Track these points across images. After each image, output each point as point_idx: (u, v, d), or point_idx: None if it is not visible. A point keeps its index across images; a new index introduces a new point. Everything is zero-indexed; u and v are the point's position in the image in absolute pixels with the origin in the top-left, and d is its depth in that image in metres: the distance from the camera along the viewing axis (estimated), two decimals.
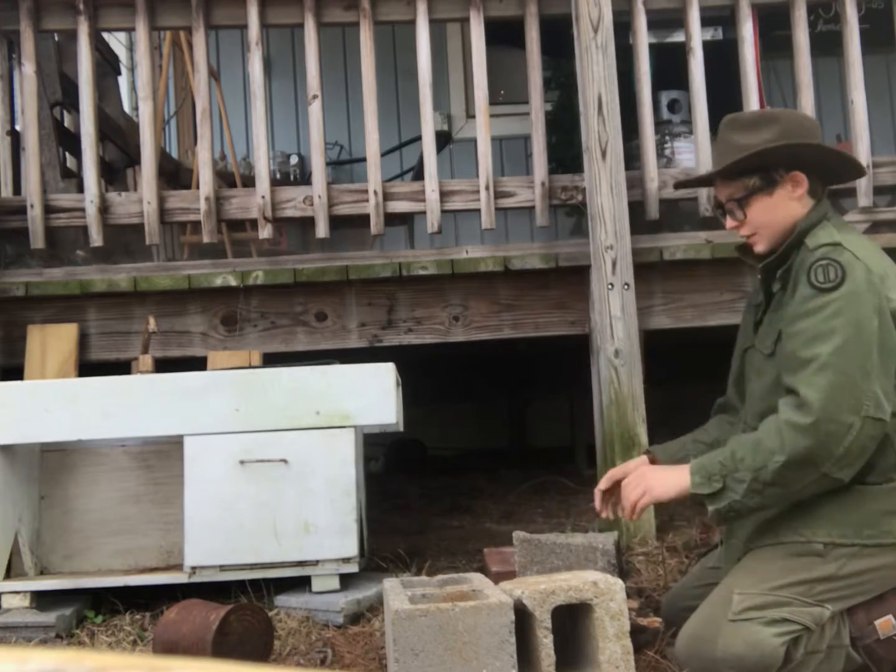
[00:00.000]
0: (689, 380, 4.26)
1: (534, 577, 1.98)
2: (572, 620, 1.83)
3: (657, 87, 3.99)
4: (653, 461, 2.11)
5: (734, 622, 1.77)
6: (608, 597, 1.81)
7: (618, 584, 1.84)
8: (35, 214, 3.15)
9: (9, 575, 2.51)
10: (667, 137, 4.35)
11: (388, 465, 4.87)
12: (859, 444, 1.73)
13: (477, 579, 2.15)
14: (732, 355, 2.18)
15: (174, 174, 4.70)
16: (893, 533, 1.78)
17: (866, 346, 1.75)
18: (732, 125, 2.04)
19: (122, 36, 5.50)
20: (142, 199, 3.18)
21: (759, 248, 1.99)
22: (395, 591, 2.04)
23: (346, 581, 2.51)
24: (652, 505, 2.03)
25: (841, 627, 1.79)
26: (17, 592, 2.47)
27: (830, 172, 2.01)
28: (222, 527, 2.48)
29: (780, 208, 1.94)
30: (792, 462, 1.73)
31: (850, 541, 1.78)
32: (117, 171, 4.19)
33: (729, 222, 2.00)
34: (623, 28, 3.25)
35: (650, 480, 1.89)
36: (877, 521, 1.78)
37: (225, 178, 4.80)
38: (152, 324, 2.82)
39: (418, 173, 4.10)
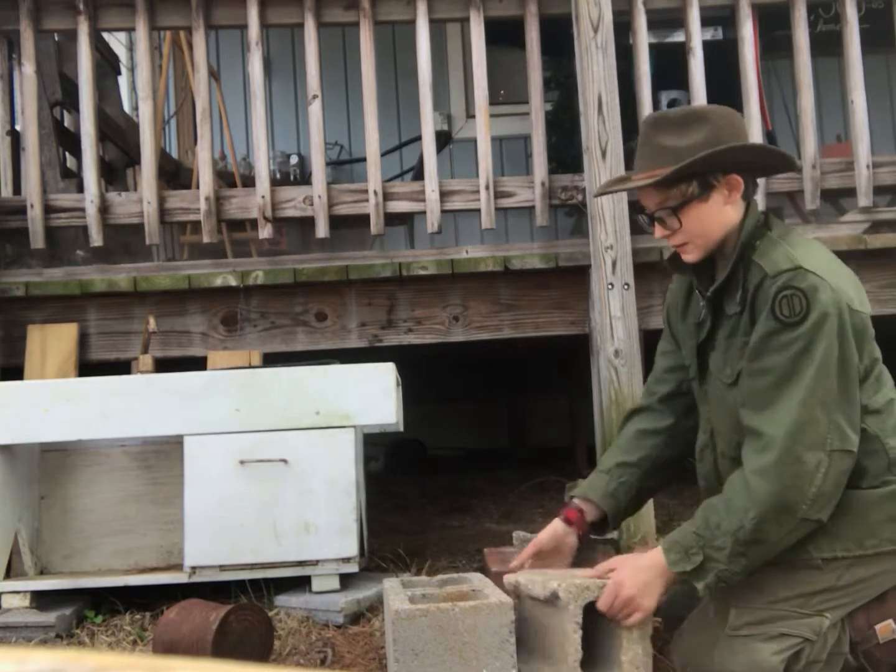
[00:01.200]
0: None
1: (539, 571, 1.96)
2: (590, 618, 1.81)
3: (657, 87, 3.99)
4: (578, 514, 2.01)
5: (731, 637, 1.74)
6: None
7: None
8: (35, 214, 3.15)
9: (9, 575, 2.51)
10: None
11: (388, 465, 4.87)
12: (832, 480, 1.68)
13: (477, 579, 2.15)
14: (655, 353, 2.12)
15: (174, 174, 4.70)
16: (893, 539, 1.76)
17: (830, 380, 1.69)
18: (659, 125, 1.86)
19: (122, 36, 5.50)
20: (142, 199, 3.18)
21: (691, 257, 1.88)
22: (395, 591, 2.04)
23: (346, 581, 2.51)
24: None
25: (841, 636, 1.78)
26: (17, 592, 2.47)
27: (758, 169, 1.94)
28: (222, 527, 2.48)
29: (715, 214, 1.83)
30: (767, 513, 1.67)
31: (852, 553, 1.75)
32: (117, 171, 4.19)
33: (659, 231, 1.87)
34: (623, 28, 3.25)
35: (633, 594, 1.74)
36: (877, 529, 1.76)
37: (225, 178, 4.80)
38: (152, 324, 2.82)
39: (418, 173, 4.10)
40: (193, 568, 2.48)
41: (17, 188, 3.51)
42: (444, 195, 3.22)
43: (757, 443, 1.71)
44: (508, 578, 1.94)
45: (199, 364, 3.06)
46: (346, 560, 2.49)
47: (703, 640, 1.80)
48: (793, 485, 1.66)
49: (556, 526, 2.02)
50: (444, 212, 3.23)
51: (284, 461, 2.50)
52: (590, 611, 1.78)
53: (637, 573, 1.76)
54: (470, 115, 5.30)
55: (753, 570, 1.72)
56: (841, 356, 1.71)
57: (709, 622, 1.81)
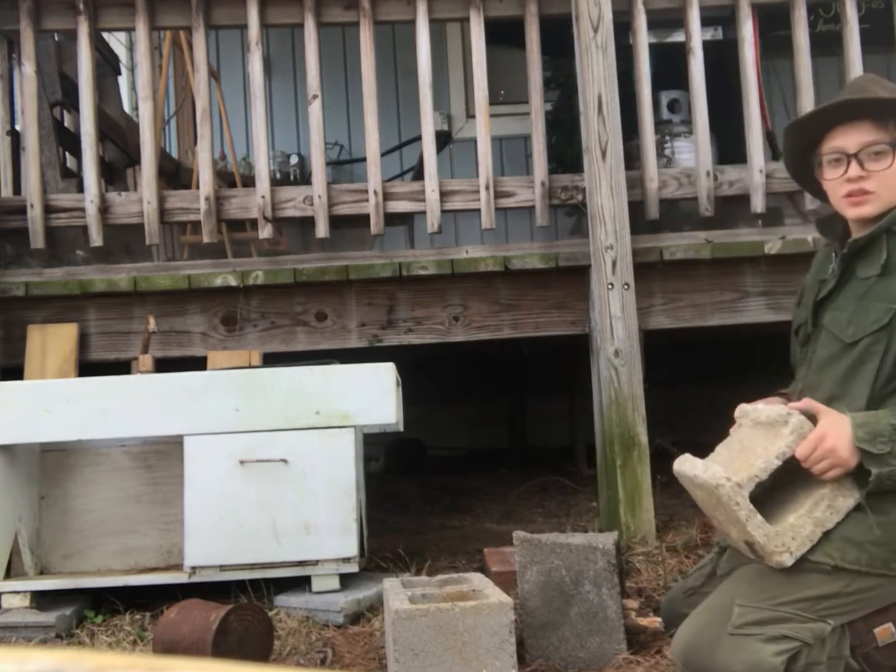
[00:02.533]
0: (689, 380, 4.27)
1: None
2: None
3: (657, 87, 3.99)
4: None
5: (733, 636, 1.74)
6: None
7: None
8: (35, 214, 3.15)
9: (9, 575, 2.52)
10: (667, 137, 4.34)
11: (388, 465, 4.87)
12: None
13: (477, 579, 2.15)
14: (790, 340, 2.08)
15: (174, 174, 4.70)
16: None
17: None
18: (878, 83, 1.90)
19: (122, 36, 5.50)
20: (142, 199, 3.18)
21: (868, 209, 1.85)
22: (395, 591, 2.04)
23: (346, 581, 2.51)
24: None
25: (842, 639, 1.76)
26: (17, 592, 2.47)
27: None
28: (222, 526, 2.48)
29: None
30: None
31: (876, 570, 1.72)
32: (117, 171, 4.19)
33: (854, 170, 1.83)
34: (623, 28, 3.25)
35: (835, 445, 1.71)
36: None
37: (225, 178, 4.80)
38: (152, 324, 2.82)
39: (418, 173, 4.10)
40: (193, 568, 2.48)
41: (17, 188, 3.51)
42: (444, 195, 3.22)
43: None
44: (743, 406, 1.89)
45: (199, 364, 3.06)
46: (346, 560, 2.49)
47: (704, 638, 1.79)
48: None
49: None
50: (444, 212, 3.23)
51: (284, 461, 2.50)
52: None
53: (837, 428, 1.72)
54: (470, 115, 5.30)
55: None
56: None
57: (711, 620, 1.80)
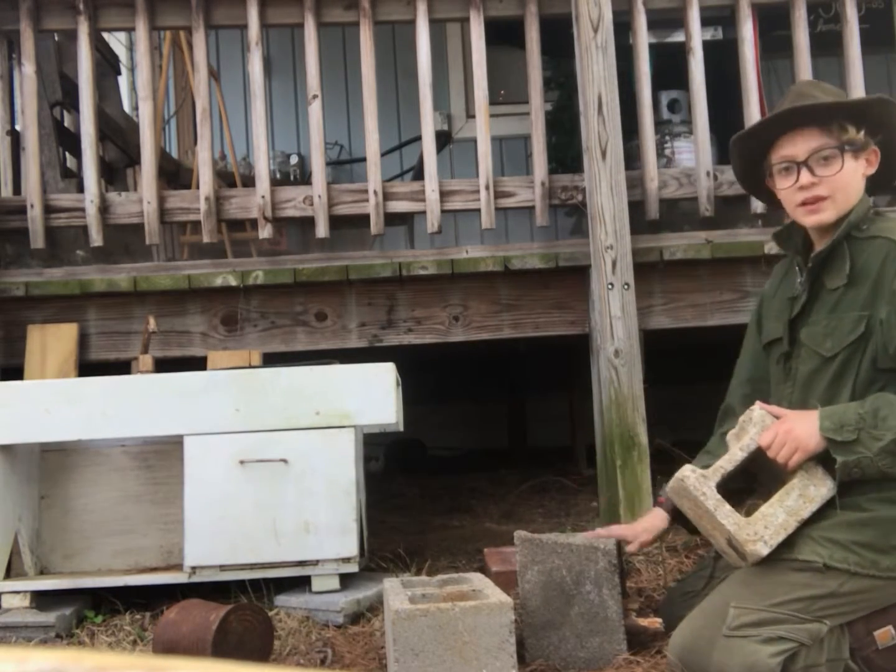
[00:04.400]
0: (690, 380, 4.26)
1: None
2: None
3: (657, 87, 3.99)
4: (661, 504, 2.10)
5: (729, 637, 1.73)
6: None
7: None
8: (35, 214, 3.15)
9: (9, 575, 2.51)
10: (667, 137, 4.34)
11: (388, 465, 4.87)
12: None
13: (477, 579, 2.15)
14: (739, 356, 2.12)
15: (174, 174, 4.70)
16: None
17: None
18: (817, 86, 1.92)
19: (122, 36, 5.50)
20: (142, 199, 3.18)
21: (825, 215, 1.85)
22: (395, 591, 2.04)
23: (346, 581, 2.51)
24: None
25: (841, 641, 1.76)
26: (17, 592, 2.47)
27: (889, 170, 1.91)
28: (222, 526, 2.48)
29: (856, 178, 1.84)
30: None
31: (865, 571, 1.73)
32: (117, 171, 4.19)
33: (805, 177, 1.83)
34: (623, 28, 3.25)
35: (792, 427, 1.76)
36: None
37: (225, 178, 4.80)
38: (152, 324, 2.82)
39: (418, 173, 4.10)
40: (193, 568, 2.48)
41: (17, 188, 3.51)
42: (444, 195, 3.22)
43: None
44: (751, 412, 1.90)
45: (199, 364, 3.06)
46: (346, 560, 2.49)
47: (700, 640, 1.79)
48: None
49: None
50: (444, 212, 3.23)
51: (284, 461, 2.50)
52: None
53: (801, 416, 1.77)
54: (470, 115, 5.30)
55: (890, 475, 1.71)
56: None
57: (706, 623, 1.80)
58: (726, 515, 1.79)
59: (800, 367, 1.92)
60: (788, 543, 1.78)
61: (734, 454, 1.82)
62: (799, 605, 1.74)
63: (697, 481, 1.80)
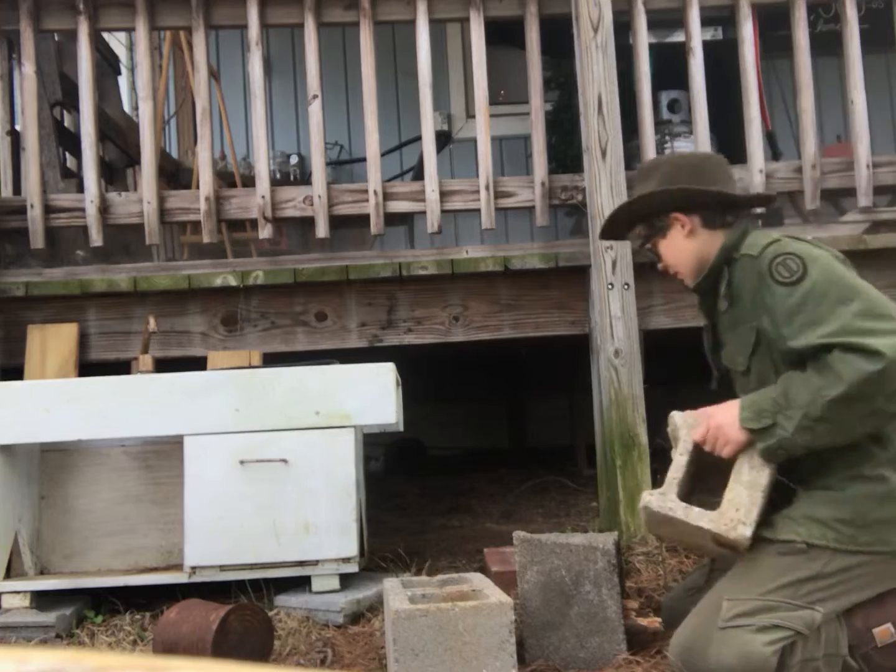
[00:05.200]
0: (690, 380, 4.26)
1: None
2: None
3: (657, 87, 3.99)
4: None
5: (724, 630, 1.76)
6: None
7: None
8: (35, 214, 3.15)
9: (9, 575, 2.51)
10: (667, 137, 4.35)
11: (388, 465, 4.87)
12: None
13: (477, 579, 2.15)
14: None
15: (174, 174, 4.70)
16: (888, 542, 1.77)
17: (856, 290, 1.78)
18: (638, 175, 2.18)
19: (122, 36, 5.50)
20: (142, 199, 3.18)
21: (687, 282, 2.10)
22: (395, 591, 2.04)
23: (346, 581, 2.51)
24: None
25: (839, 635, 1.78)
26: (17, 592, 2.47)
27: (731, 204, 2.07)
28: (222, 527, 2.48)
29: (680, 247, 2.06)
30: (841, 397, 1.71)
31: (844, 546, 1.77)
32: (117, 171, 4.19)
33: (659, 261, 2.14)
34: (623, 28, 3.25)
35: (721, 422, 1.87)
36: (874, 528, 1.78)
37: (225, 178, 4.80)
38: (152, 324, 2.82)
39: (418, 173, 4.10)
40: (193, 568, 2.48)
41: (17, 188, 3.51)
42: (444, 195, 3.22)
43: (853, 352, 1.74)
44: (672, 418, 2.03)
45: (199, 364, 3.06)
46: (346, 560, 2.49)
47: (697, 638, 1.81)
48: (871, 379, 1.69)
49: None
50: (444, 212, 3.23)
51: (284, 461, 2.50)
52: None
53: (725, 409, 1.88)
54: (470, 115, 5.29)
55: (818, 446, 1.78)
56: (850, 279, 1.81)
57: (702, 620, 1.82)
58: (699, 517, 1.82)
59: (736, 387, 2.04)
60: (770, 525, 1.82)
61: (677, 461, 1.90)
62: (788, 590, 1.76)
63: (659, 500, 1.85)
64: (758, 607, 1.76)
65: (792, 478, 1.86)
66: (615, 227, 2.18)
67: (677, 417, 1.96)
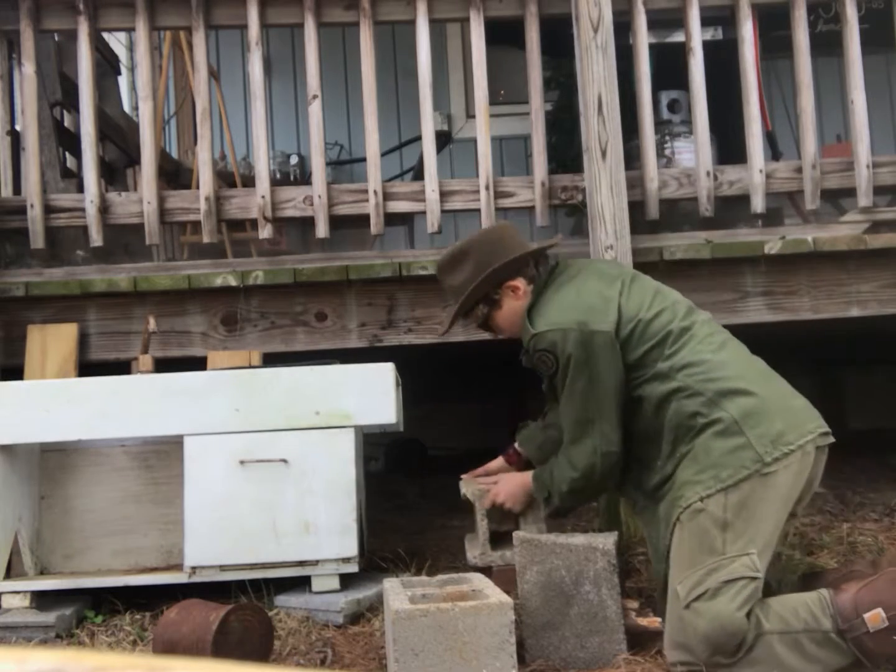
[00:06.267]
0: None
1: (474, 481, 2.67)
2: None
3: (657, 87, 3.99)
4: (516, 456, 2.67)
5: (688, 608, 1.93)
6: None
7: None
8: (35, 214, 3.15)
9: (9, 575, 2.52)
10: (667, 137, 4.34)
11: (388, 465, 4.87)
12: (608, 466, 2.17)
13: (477, 579, 2.15)
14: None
15: (174, 174, 4.70)
16: (745, 465, 1.99)
17: (589, 402, 2.15)
18: (441, 272, 2.41)
19: (122, 36, 5.50)
20: (142, 199, 3.18)
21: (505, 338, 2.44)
22: (395, 591, 2.04)
23: (346, 581, 2.51)
24: None
25: (814, 611, 1.90)
26: (17, 592, 2.47)
27: (538, 255, 2.39)
28: (222, 527, 2.48)
29: (515, 311, 2.32)
30: (576, 483, 2.23)
31: (715, 488, 2.00)
32: (117, 171, 4.19)
33: (493, 334, 2.47)
34: (623, 28, 3.25)
35: (503, 501, 2.49)
36: (724, 462, 2.01)
37: (225, 178, 4.80)
38: (152, 324, 2.82)
39: (418, 173, 4.10)
40: (193, 568, 2.48)
41: (17, 188, 3.51)
42: (444, 195, 3.22)
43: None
44: (461, 486, 2.65)
45: (199, 364, 3.06)
46: (346, 560, 2.49)
47: (675, 630, 1.97)
48: (584, 474, 2.20)
49: (500, 461, 2.73)
50: (444, 212, 3.23)
51: (284, 461, 2.50)
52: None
53: (511, 488, 2.49)
54: (470, 115, 5.30)
55: (584, 503, 2.58)
56: (591, 379, 2.14)
57: (672, 615, 1.98)
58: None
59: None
60: (668, 512, 2.08)
61: (480, 526, 2.56)
62: (715, 547, 1.95)
63: (480, 559, 2.55)
64: (701, 576, 1.94)
65: (647, 484, 2.19)
66: (455, 322, 2.44)
67: (466, 488, 2.61)
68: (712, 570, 1.93)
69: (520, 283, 2.32)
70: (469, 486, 2.62)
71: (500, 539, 2.55)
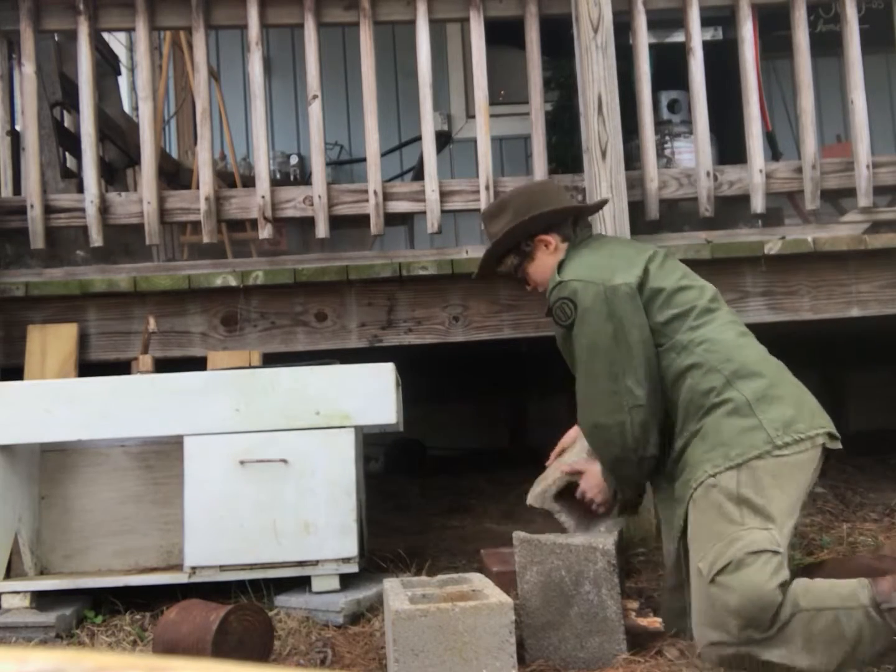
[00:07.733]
0: None
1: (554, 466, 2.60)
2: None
3: (657, 87, 3.99)
4: None
5: (713, 582, 1.88)
6: None
7: None
8: (35, 214, 3.15)
9: (9, 575, 2.52)
10: (667, 137, 4.34)
11: (388, 465, 4.87)
12: (639, 427, 2.11)
13: (477, 579, 2.15)
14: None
15: (174, 174, 4.69)
16: (755, 445, 1.98)
17: (609, 355, 2.13)
18: (484, 219, 2.49)
19: (122, 36, 5.49)
20: (142, 199, 3.18)
21: (539, 290, 2.43)
22: (395, 591, 2.04)
23: (346, 581, 2.51)
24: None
25: (857, 590, 1.84)
26: (17, 592, 2.47)
27: (579, 214, 2.41)
28: (222, 527, 2.48)
29: (546, 265, 2.35)
30: (615, 463, 2.19)
31: (723, 466, 1.98)
32: (117, 171, 4.19)
33: (525, 285, 2.48)
34: (623, 28, 3.25)
35: (594, 496, 2.32)
36: (734, 442, 2.00)
37: (225, 178, 4.80)
38: (152, 324, 2.82)
39: (418, 173, 4.10)
40: (193, 568, 2.48)
41: (17, 188, 3.51)
42: (444, 195, 3.22)
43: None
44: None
45: (199, 364, 3.06)
46: (346, 560, 2.49)
47: (703, 610, 1.91)
48: (612, 443, 2.16)
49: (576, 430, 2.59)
50: (444, 212, 3.23)
51: (284, 461, 2.50)
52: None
53: (597, 481, 2.31)
54: (470, 115, 5.29)
55: (643, 480, 2.27)
56: (615, 333, 2.13)
57: (698, 595, 1.93)
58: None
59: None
60: (682, 490, 2.07)
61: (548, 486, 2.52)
62: (734, 517, 1.93)
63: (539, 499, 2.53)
64: (722, 548, 1.90)
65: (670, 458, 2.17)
66: (488, 267, 2.49)
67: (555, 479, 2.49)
68: (733, 540, 1.89)
69: (552, 238, 2.35)
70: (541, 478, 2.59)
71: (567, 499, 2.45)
